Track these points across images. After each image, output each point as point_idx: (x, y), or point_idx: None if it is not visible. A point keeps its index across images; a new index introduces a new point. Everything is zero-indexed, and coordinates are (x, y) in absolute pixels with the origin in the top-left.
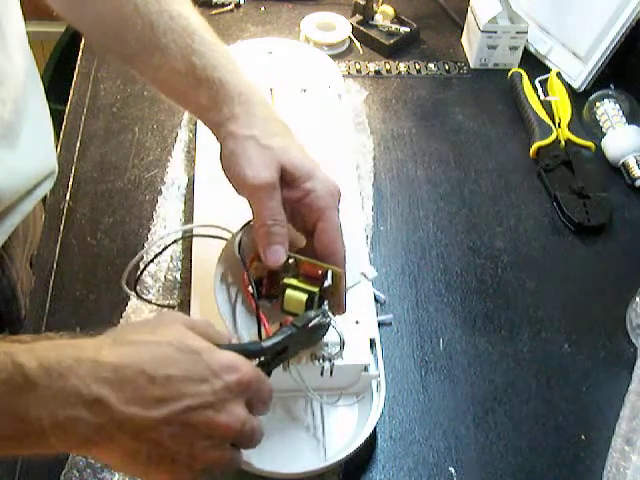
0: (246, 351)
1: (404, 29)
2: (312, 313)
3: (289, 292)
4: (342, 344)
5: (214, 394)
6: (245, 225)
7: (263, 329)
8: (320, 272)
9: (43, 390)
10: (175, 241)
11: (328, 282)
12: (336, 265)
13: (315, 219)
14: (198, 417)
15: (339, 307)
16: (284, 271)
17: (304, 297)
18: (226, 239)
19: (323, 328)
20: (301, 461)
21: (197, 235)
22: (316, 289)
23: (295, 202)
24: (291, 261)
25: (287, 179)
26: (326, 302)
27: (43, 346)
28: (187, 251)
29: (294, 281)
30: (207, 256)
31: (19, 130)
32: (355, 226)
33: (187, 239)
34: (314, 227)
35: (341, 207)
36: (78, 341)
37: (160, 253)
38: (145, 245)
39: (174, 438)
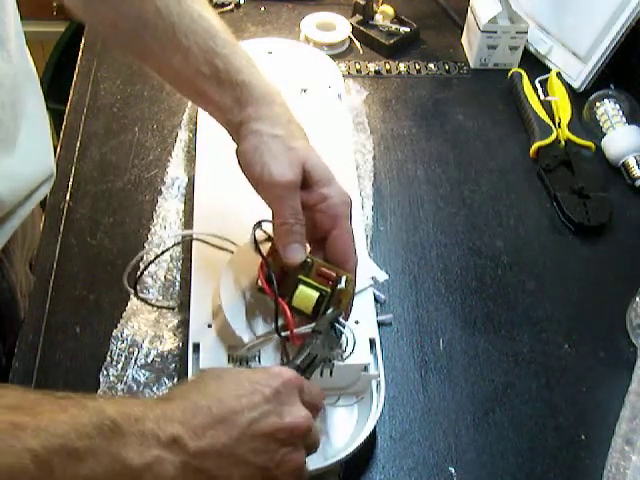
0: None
1: (404, 29)
2: (329, 315)
3: (302, 288)
4: (354, 345)
5: (269, 401)
6: (259, 222)
7: (284, 317)
8: (335, 274)
9: (128, 433)
10: (176, 244)
11: (341, 286)
12: (350, 272)
13: (329, 226)
14: (266, 426)
15: (345, 314)
16: (297, 270)
17: (315, 295)
18: (226, 249)
19: (339, 328)
20: None
21: (198, 239)
22: (328, 289)
23: (310, 207)
24: (309, 260)
25: (306, 182)
26: (331, 308)
27: (115, 399)
28: (187, 251)
29: (309, 279)
30: (207, 256)
31: (17, 134)
32: (356, 228)
33: (187, 240)
34: (327, 234)
35: None
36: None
37: (161, 254)
38: (145, 245)
39: (255, 452)
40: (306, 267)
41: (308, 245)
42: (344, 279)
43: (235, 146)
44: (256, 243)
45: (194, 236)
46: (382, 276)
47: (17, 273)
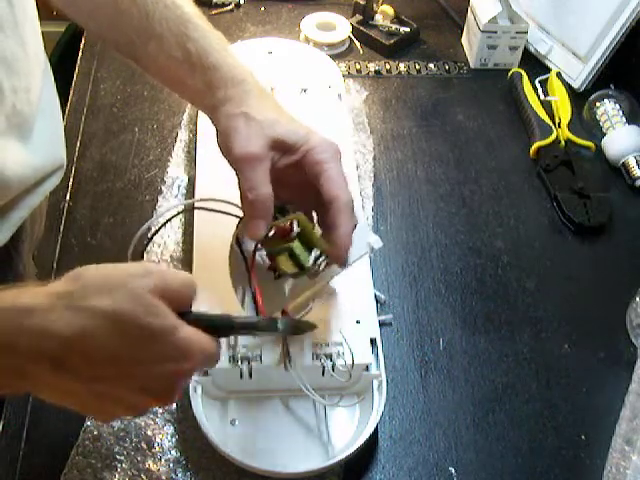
0: (215, 323)
1: (404, 29)
2: (287, 321)
3: (277, 259)
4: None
5: (153, 379)
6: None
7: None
8: (288, 226)
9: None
10: (180, 212)
11: (297, 229)
12: (340, 211)
13: (317, 173)
14: (125, 393)
15: (324, 249)
16: (274, 244)
17: (285, 256)
18: (230, 213)
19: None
20: (302, 461)
21: (202, 208)
22: (292, 243)
23: (297, 166)
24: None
25: (282, 148)
26: (315, 250)
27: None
28: (188, 252)
29: (277, 247)
30: (209, 255)
31: (32, 121)
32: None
33: (189, 232)
34: (319, 184)
35: None
36: (27, 301)
37: (167, 222)
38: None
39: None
40: (275, 237)
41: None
42: (295, 223)
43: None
44: (238, 240)
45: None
46: (377, 242)
47: (25, 265)
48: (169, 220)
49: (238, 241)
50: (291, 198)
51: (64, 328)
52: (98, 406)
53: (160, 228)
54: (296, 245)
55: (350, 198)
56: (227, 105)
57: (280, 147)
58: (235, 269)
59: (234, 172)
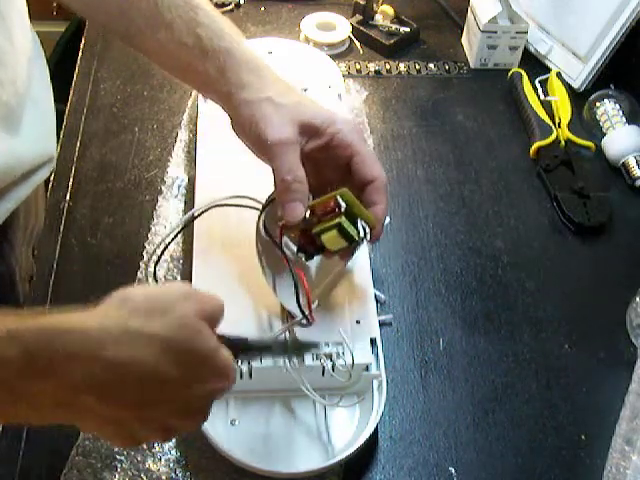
0: (234, 344)
1: (404, 29)
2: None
3: (323, 237)
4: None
5: (196, 400)
6: (268, 203)
7: (302, 289)
8: (332, 203)
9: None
10: (195, 218)
11: (344, 205)
12: (380, 189)
13: (348, 155)
14: (165, 416)
15: (372, 221)
16: (311, 225)
17: (335, 232)
18: (242, 205)
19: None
20: (302, 461)
21: (220, 205)
22: (340, 219)
23: (324, 148)
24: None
25: (309, 131)
26: (360, 222)
27: (36, 330)
28: (187, 251)
29: (320, 226)
30: (209, 255)
31: (20, 113)
32: None
33: (190, 232)
34: (349, 165)
35: None
36: (81, 325)
37: (183, 229)
38: (146, 245)
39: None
40: (313, 218)
41: None
42: (340, 198)
43: (233, 132)
44: (265, 226)
45: (196, 213)
46: (385, 220)
47: (17, 257)
48: (184, 227)
49: (266, 229)
50: (315, 180)
51: (117, 354)
52: (137, 432)
53: (175, 237)
54: (343, 220)
55: (385, 176)
56: (244, 91)
57: (307, 130)
58: (263, 257)
59: (266, 161)
